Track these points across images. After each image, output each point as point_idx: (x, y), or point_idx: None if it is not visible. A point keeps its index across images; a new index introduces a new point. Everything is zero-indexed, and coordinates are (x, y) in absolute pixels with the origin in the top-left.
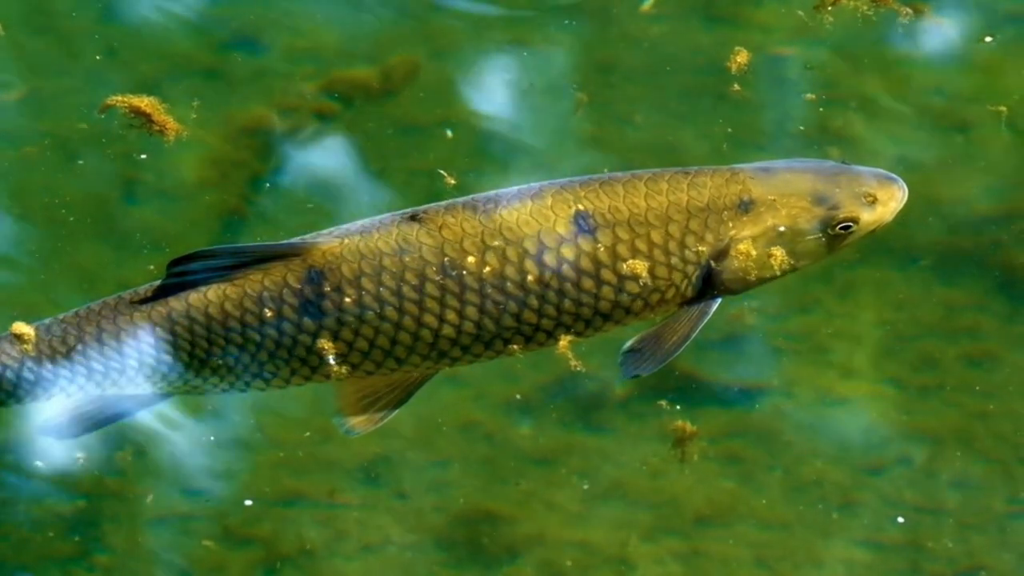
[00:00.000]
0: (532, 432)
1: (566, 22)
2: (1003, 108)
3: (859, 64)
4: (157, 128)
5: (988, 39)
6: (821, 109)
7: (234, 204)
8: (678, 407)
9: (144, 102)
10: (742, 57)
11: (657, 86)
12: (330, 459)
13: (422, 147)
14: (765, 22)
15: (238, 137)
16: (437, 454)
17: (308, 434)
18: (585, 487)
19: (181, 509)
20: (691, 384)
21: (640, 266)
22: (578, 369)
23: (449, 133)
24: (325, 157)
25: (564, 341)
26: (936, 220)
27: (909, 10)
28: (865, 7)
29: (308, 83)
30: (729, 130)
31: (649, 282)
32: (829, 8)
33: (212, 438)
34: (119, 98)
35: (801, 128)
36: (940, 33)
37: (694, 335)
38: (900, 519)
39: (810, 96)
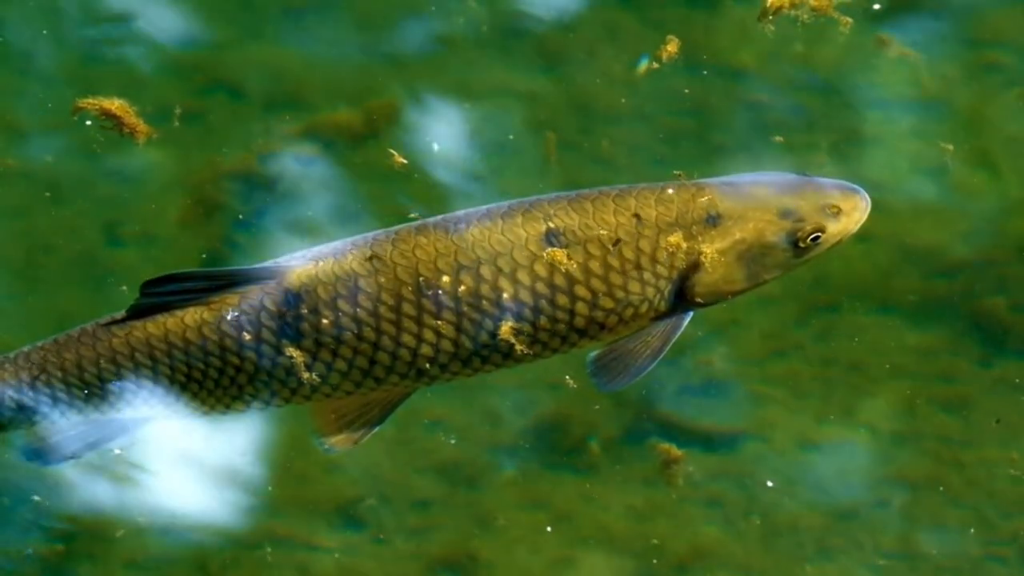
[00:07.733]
0: (515, 475)
1: (548, 67)
2: (950, 146)
3: (833, 106)
4: (128, 131)
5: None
6: (794, 153)
7: (215, 246)
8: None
9: (115, 104)
10: (672, 47)
11: (637, 129)
12: (309, 501)
13: (402, 189)
14: (743, 66)
15: (219, 180)
16: (418, 497)
17: (271, 488)
18: (567, 531)
19: (155, 549)
20: (671, 429)
21: (559, 254)
22: (523, 351)
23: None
24: (305, 199)
25: (506, 326)
26: (910, 266)
27: (848, 19)
28: (805, 16)
29: (289, 126)
30: (695, 175)
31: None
32: (770, 18)
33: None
34: (90, 100)
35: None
36: (913, 69)
37: (667, 349)
38: (875, 564)
39: (779, 138)
